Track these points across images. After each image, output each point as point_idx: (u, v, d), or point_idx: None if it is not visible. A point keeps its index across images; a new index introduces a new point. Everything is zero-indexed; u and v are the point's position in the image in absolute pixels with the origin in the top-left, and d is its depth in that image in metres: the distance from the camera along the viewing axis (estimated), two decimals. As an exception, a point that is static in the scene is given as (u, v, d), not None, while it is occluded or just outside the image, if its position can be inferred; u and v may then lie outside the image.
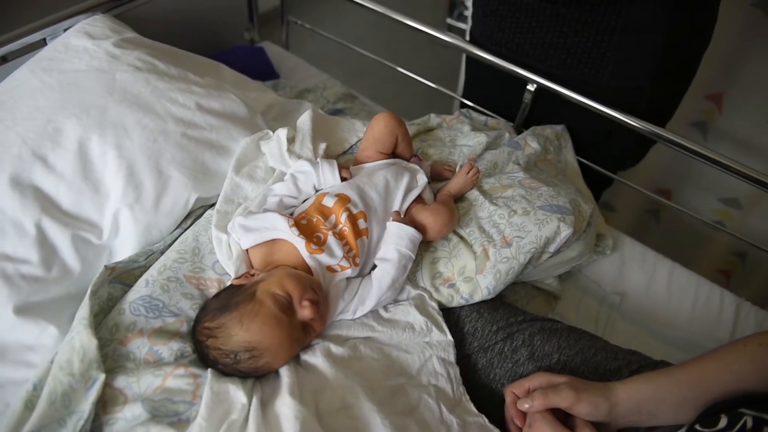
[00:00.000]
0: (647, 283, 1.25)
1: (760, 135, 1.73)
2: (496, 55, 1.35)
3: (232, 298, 0.85)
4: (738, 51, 1.61)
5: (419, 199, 1.03)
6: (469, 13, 1.41)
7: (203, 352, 0.84)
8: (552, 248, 1.01)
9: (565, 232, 1.00)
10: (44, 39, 1.25)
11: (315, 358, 0.86)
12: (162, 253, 0.98)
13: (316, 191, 1.02)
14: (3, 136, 1.02)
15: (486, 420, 0.85)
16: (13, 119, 1.04)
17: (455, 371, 0.90)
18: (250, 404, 0.78)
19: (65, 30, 1.23)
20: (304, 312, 0.83)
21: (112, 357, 0.83)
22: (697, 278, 1.26)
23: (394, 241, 0.93)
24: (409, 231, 0.94)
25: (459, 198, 1.09)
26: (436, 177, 1.13)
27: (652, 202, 2.09)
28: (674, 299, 1.23)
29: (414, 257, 0.94)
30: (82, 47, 1.16)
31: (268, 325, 0.81)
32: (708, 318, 1.21)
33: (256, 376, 0.85)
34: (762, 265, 1.93)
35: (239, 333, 0.81)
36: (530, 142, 1.25)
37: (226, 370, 0.83)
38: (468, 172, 1.05)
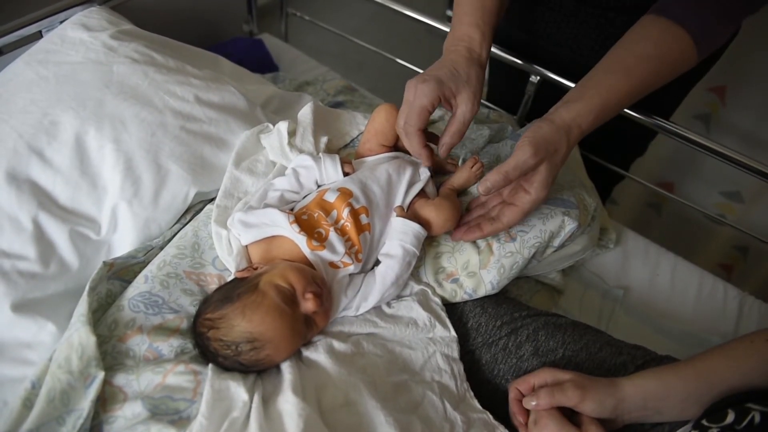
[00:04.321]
0: (650, 277, 1.25)
1: (764, 128, 1.72)
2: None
3: (234, 289, 0.84)
4: (742, 44, 1.59)
5: (422, 193, 1.02)
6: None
7: (204, 344, 0.83)
8: (556, 242, 1.00)
9: (570, 226, 0.99)
10: (40, 31, 1.23)
11: (317, 354, 0.85)
12: (161, 248, 0.97)
13: (318, 186, 1.01)
14: (-1, 129, 1.00)
15: (490, 416, 0.84)
16: (8, 112, 1.02)
17: (459, 367, 0.89)
18: (251, 401, 0.77)
19: (61, 22, 1.21)
20: (308, 304, 0.82)
21: (111, 354, 0.82)
22: (701, 272, 1.26)
23: (399, 237, 0.92)
24: (414, 227, 0.93)
25: (462, 192, 1.07)
26: (439, 170, 1.12)
27: (654, 195, 2.09)
28: (677, 293, 1.23)
29: (418, 254, 0.93)
30: (78, 39, 1.14)
31: (271, 315, 0.80)
32: (712, 312, 1.21)
33: (257, 370, 0.84)
34: (764, 259, 1.93)
35: (241, 324, 0.80)
36: (533, 135, 1.24)
37: (227, 363, 0.82)
38: (472, 167, 1.04)
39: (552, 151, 0.87)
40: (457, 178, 1.05)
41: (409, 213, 0.97)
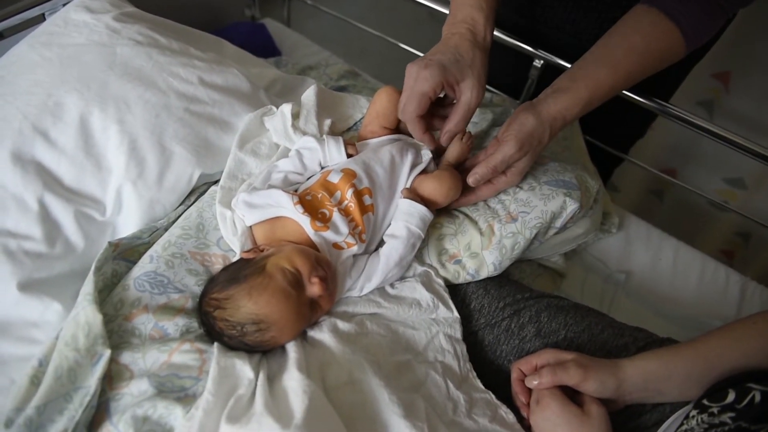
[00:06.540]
0: (652, 262, 1.25)
1: (767, 114, 1.72)
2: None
3: (241, 270, 0.85)
4: (746, 29, 1.59)
5: (424, 173, 1.02)
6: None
7: (209, 323, 0.83)
8: (558, 223, 1.00)
9: (571, 207, 0.99)
10: (43, 14, 1.23)
11: (322, 333, 0.85)
12: (166, 229, 0.97)
13: (322, 168, 1.01)
14: (3, 110, 1.00)
15: (493, 396, 0.85)
16: (13, 94, 1.02)
17: (462, 348, 0.90)
18: (257, 379, 0.78)
19: (64, 5, 1.21)
20: (313, 289, 0.82)
21: (117, 333, 0.82)
22: (702, 257, 1.26)
23: (404, 218, 0.92)
24: (421, 209, 0.93)
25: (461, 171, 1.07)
26: (441, 152, 1.12)
27: (657, 182, 2.09)
28: (679, 277, 1.23)
29: (423, 236, 0.94)
30: (81, 21, 1.14)
31: (276, 298, 0.81)
32: (713, 296, 1.21)
33: (262, 350, 0.85)
34: (766, 244, 1.93)
35: (247, 305, 0.81)
36: (536, 119, 1.23)
37: (232, 343, 0.82)
38: (462, 139, 1.04)
39: (535, 144, 0.94)
40: (451, 153, 1.04)
41: (412, 190, 0.97)
